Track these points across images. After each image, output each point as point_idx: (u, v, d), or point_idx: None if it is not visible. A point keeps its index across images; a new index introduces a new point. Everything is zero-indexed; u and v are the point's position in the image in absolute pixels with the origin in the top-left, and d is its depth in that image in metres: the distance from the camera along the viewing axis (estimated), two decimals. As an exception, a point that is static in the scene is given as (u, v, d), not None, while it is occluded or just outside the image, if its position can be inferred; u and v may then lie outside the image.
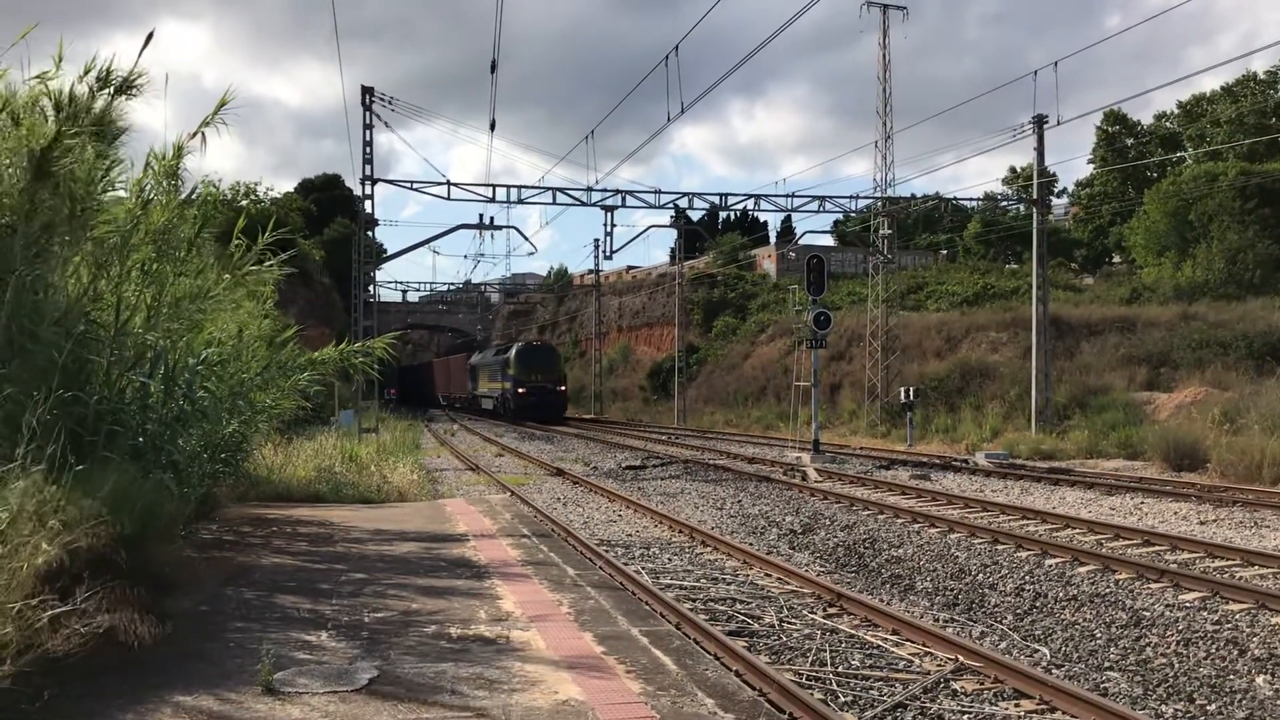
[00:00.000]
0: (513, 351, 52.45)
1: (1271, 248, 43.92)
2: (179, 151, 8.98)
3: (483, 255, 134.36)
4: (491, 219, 33.50)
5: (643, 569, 12.08)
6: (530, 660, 6.69)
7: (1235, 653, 8.66)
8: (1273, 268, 43.33)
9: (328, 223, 62.94)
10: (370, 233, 34.88)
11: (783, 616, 9.88)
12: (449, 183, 30.20)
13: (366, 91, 29.19)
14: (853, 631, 9.34)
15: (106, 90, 8.02)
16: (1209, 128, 61.74)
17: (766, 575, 11.95)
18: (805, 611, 10.10)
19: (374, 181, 29.59)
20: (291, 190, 67.51)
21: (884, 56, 35.12)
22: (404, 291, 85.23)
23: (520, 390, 50.11)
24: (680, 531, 15.21)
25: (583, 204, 31.15)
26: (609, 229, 33.06)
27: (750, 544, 14.34)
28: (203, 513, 12.15)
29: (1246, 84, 62.86)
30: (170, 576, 8.22)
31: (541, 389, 50.29)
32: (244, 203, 39.69)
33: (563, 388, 52.59)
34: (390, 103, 29.28)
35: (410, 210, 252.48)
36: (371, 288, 35.91)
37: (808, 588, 11.12)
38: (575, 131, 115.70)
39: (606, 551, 12.90)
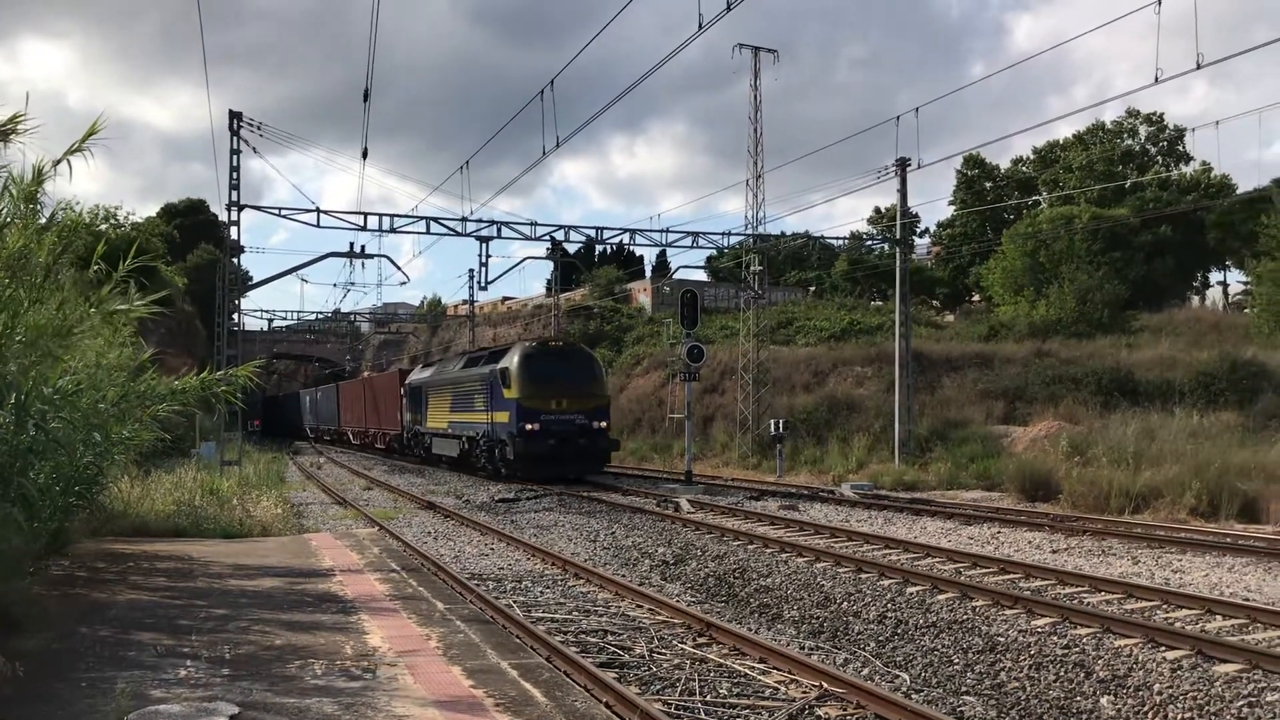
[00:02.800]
0: (516, 356, 29.39)
1: (1119, 289, 46.26)
2: (39, 176, 8.66)
3: (353, 284, 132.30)
4: (363, 247, 32.92)
5: (514, 602, 12.01)
6: (397, 695, 6.61)
7: (1082, 675, 9.06)
8: (1120, 308, 45.61)
9: (192, 249, 61.09)
10: (236, 259, 34.00)
11: (653, 647, 9.95)
12: (319, 210, 29.67)
13: (234, 116, 28.56)
14: (721, 660, 9.47)
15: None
16: (1062, 173, 64.84)
17: (638, 606, 12.01)
18: (676, 642, 10.19)
19: (240, 208, 28.90)
20: (154, 215, 65.34)
21: (755, 98, 35.97)
22: (270, 320, 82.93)
23: (531, 426, 28.22)
24: (553, 564, 15.17)
25: (457, 234, 30.97)
26: (484, 259, 32.99)
27: (623, 576, 14.40)
28: (55, 548, 11.65)
29: (1096, 132, 66.31)
30: (19, 615, 7.87)
31: (568, 424, 28.61)
32: (104, 227, 38.28)
33: (604, 422, 29.70)
34: (259, 128, 28.70)
35: (279, 237, 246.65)
36: (236, 316, 34.99)
37: (678, 618, 11.23)
38: (456, 162, 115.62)
39: (477, 585, 12.79)
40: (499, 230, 31.26)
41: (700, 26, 15.66)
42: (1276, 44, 40.42)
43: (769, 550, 15.68)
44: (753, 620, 12.22)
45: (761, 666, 9.23)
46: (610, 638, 10.34)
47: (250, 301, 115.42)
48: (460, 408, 33.57)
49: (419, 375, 40.69)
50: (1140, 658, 9.11)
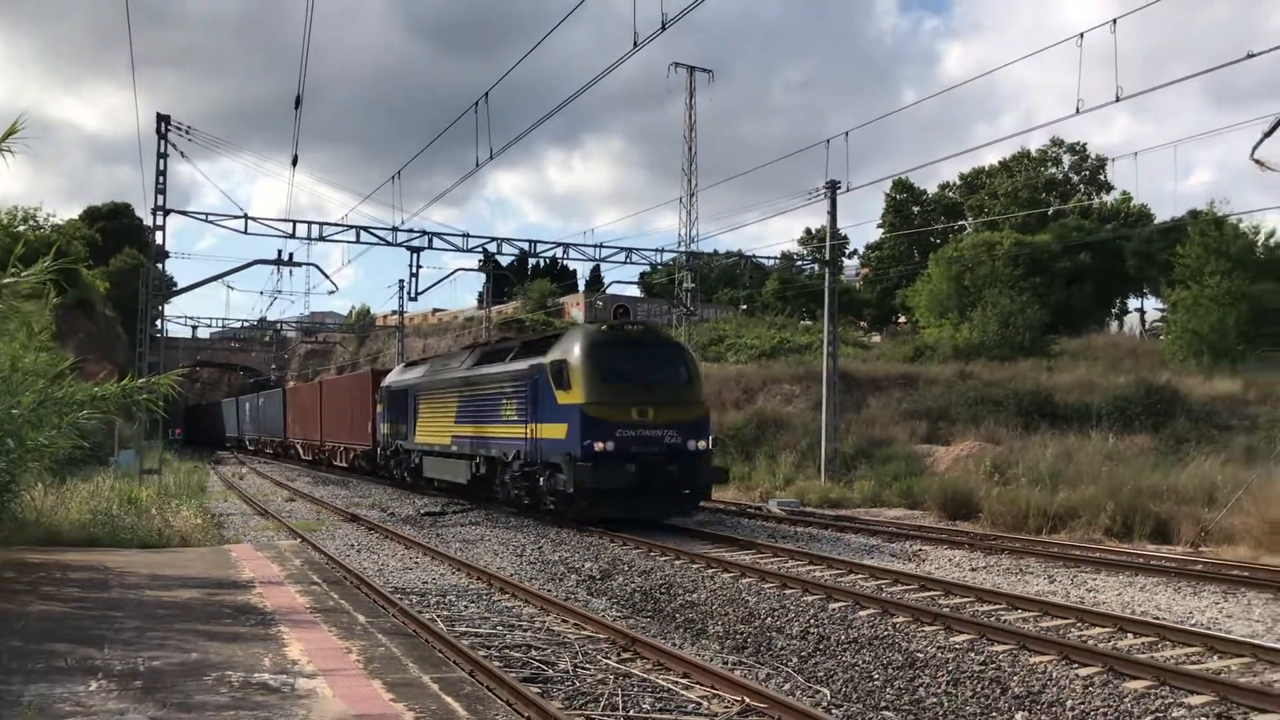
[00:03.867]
0: (578, 344, 20.73)
1: (1040, 313, 47.32)
2: (-49, 175, 8.45)
3: (280, 292, 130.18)
4: (291, 255, 32.42)
5: (438, 616, 11.92)
6: (315, 708, 6.53)
7: (998, 691, 9.23)
8: (1041, 332, 46.64)
9: (115, 253, 59.80)
10: (160, 265, 33.38)
11: (577, 662, 9.94)
12: (247, 216, 29.29)
13: (162, 120, 28.07)
14: (645, 676, 9.49)
15: None
16: (988, 199, 66.27)
17: (563, 621, 11.99)
18: (600, 657, 10.20)
19: (166, 212, 28.38)
20: (75, 218, 63.87)
21: (689, 116, 36.40)
22: (194, 327, 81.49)
23: (602, 445, 19.67)
24: (478, 579, 15.08)
25: (388, 244, 30.77)
26: (415, 270, 32.76)
27: (548, 590, 14.36)
28: (-40, 557, 11.32)
29: (1021, 160, 67.92)
30: (-79, 625, 7.63)
31: (655, 442, 20.14)
32: (22, 228, 37.38)
33: (704, 441, 20.80)
34: (187, 132, 28.24)
35: (206, 243, 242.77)
36: (159, 322, 34.32)
37: (603, 633, 11.23)
38: (390, 171, 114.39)
39: (400, 599, 12.67)
40: (430, 241, 31.13)
41: (635, 45, 15.76)
42: (1192, 79, 41.76)
43: (695, 566, 15.74)
44: (677, 635, 12.26)
45: (685, 682, 9.27)
46: (534, 652, 10.31)
47: (174, 308, 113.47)
48: (473, 417, 24.95)
49: (403, 376, 32.30)
50: (1054, 674, 9.32)
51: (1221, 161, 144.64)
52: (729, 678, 9.26)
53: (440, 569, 16.14)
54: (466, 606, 12.87)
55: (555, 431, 20.50)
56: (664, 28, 14.95)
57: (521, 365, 22.38)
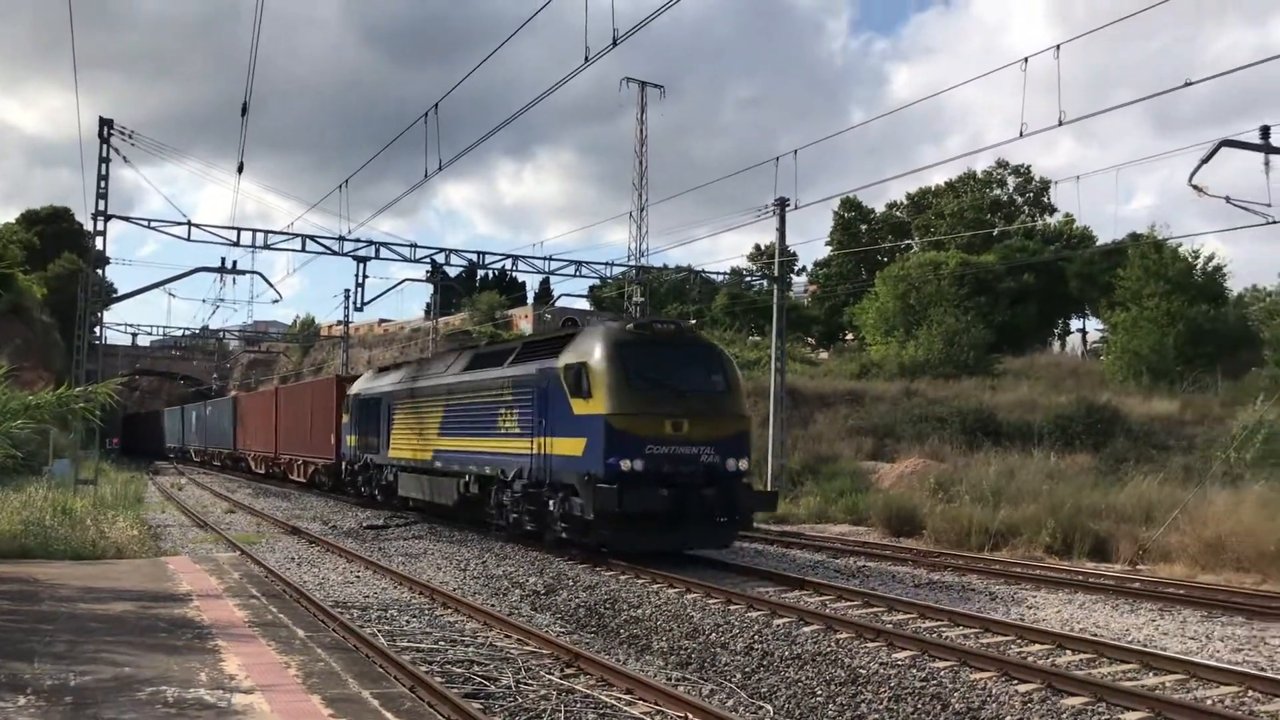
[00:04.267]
0: (599, 345, 17.53)
1: (984, 333, 47.99)
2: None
3: (223, 300, 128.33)
4: (235, 263, 32.02)
5: (379, 631, 11.78)
6: (253, 725, 6.41)
7: (939, 707, 9.29)
8: (985, 351, 47.29)
9: (54, 258, 58.68)
10: (100, 271, 32.79)
11: (520, 678, 9.86)
12: (190, 223, 28.83)
13: (105, 123, 27.63)
14: (589, 691, 9.43)
15: None
16: (934, 219, 67.13)
17: (507, 637, 11.90)
18: (543, 672, 10.12)
19: (108, 217, 27.91)
20: (13, 221, 62.64)
21: (640, 131, 36.52)
22: (134, 335, 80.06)
23: (629, 464, 16.47)
24: (421, 593, 14.93)
25: (334, 253, 30.45)
26: (361, 280, 32.42)
27: (492, 605, 14.25)
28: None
29: (967, 181, 68.91)
30: None
31: (690, 460, 17.00)
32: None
33: (744, 461, 17.76)
34: (131, 137, 27.82)
35: (148, 249, 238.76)
36: (98, 329, 33.68)
37: (547, 649, 11.16)
38: (338, 180, 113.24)
39: (341, 613, 12.50)
40: (378, 251, 30.85)
41: (586, 59, 15.77)
42: (1134, 105, 42.70)
43: (640, 581, 15.70)
44: (621, 651, 12.21)
45: (628, 698, 9.23)
46: (477, 668, 10.21)
47: (114, 315, 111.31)
48: (462, 429, 22.03)
49: (375, 383, 29.20)
50: (994, 690, 9.39)
51: (1162, 186, 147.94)
52: (672, 694, 9.23)
53: (382, 583, 15.96)
54: (409, 621, 12.73)
55: (570, 447, 17.47)
56: (615, 43, 14.97)
57: (526, 369, 19.44)
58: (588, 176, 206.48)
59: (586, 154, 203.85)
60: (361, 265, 31.12)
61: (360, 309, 38.17)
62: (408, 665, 9.59)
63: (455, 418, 22.47)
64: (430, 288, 52.81)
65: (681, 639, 12.29)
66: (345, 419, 31.01)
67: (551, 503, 18.05)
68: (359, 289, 32.65)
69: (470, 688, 9.41)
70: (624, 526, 16.55)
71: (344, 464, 31.29)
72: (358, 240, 30.95)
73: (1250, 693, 9.35)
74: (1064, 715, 8.71)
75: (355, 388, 30.77)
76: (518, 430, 19.26)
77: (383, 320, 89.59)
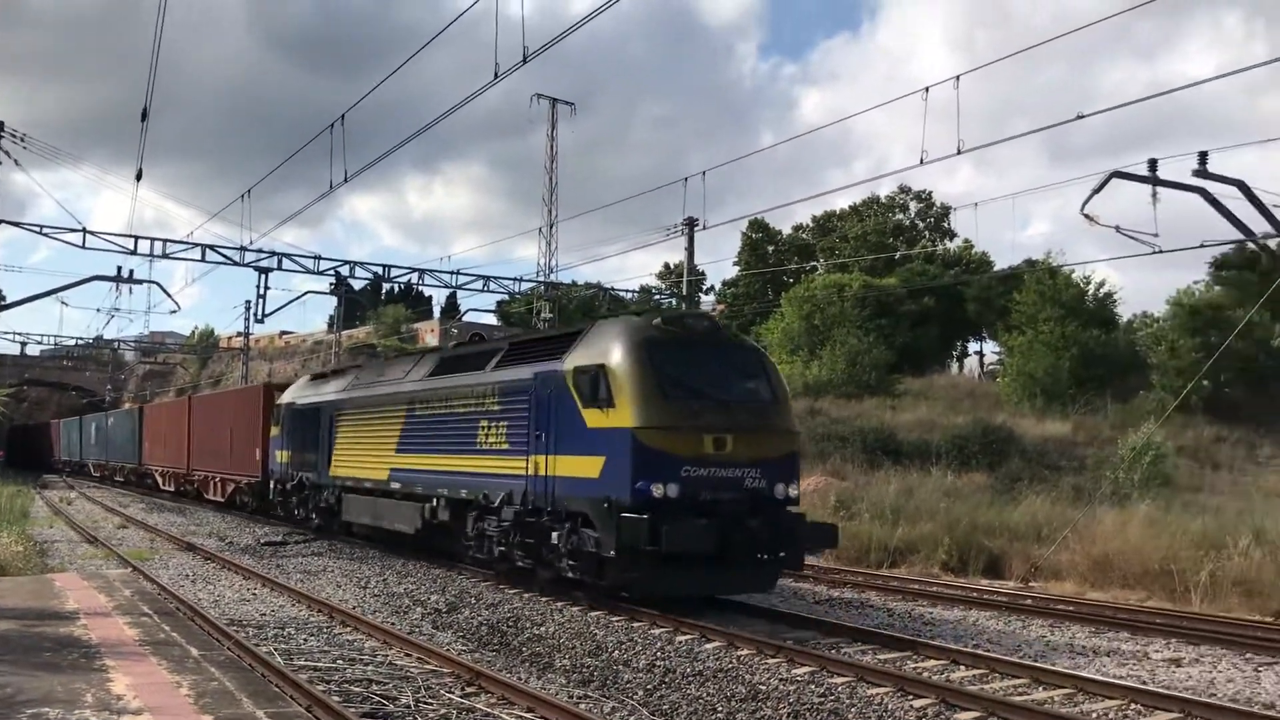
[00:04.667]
0: (622, 343, 14.18)
1: (886, 353, 48.88)
2: None
3: (119, 310, 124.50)
4: (131, 272, 31.05)
5: (275, 650, 11.54)
6: (140, 748, 6.24)
7: (837, 722, 9.43)
8: (886, 371, 48.17)
9: (-63, 263, 56.42)
10: (-12, 277, 31.64)
11: (420, 697, 9.75)
12: (85, 230, 28.08)
13: (-5, 124, 26.71)
14: (489, 710, 9.36)
15: None
16: (838, 242, 68.34)
17: (407, 655, 11.76)
18: (444, 691, 10.02)
19: (-3, 222, 26.96)
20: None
21: (551, 147, 36.56)
22: (24, 344, 77.26)
23: (661, 490, 13.23)
24: (319, 611, 14.67)
25: (235, 264, 29.91)
26: (263, 291, 31.93)
27: (392, 623, 14.06)
28: None
29: (871, 205, 70.32)
30: None
31: (734, 485, 13.86)
32: None
33: (794, 488, 14.61)
34: (23, 139, 26.94)
35: (40, 256, 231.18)
36: (-15, 337, 32.45)
37: (448, 667, 11.05)
38: (241, 189, 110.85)
39: (236, 631, 12.22)
40: (280, 262, 30.39)
41: (496, 76, 15.74)
42: (1030, 135, 44.06)
43: (544, 598, 15.63)
44: (524, 669, 12.14)
45: (530, 717, 9.19)
46: (376, 687, 10.07)
47: (3, 323, 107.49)
48: (430, 445, 18.66)
49: (313, 391, 25.32)
50: (890, 706, 9.57)
51: (1057, 214, 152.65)
52: (574, 712, 9.22)
53: (280, 600, 15.65)
54: (306, 639, 12.49)
55: (582, 467, 14.27)
56: (525, 60, 14.97)
57: (517, 374, 16.19)
58: (497, 191, 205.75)
59: (497, 168, 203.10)
60: (263, 276, 30.69)
61: (261, 320, 37.55)
62: (304, 684, 9.41)
63: (420, 431, 19.12)
64: (334, 300, 51.88)
65: (584, 657, 12.26)
66: (275, 432, 27.17)
67: (555, 535, 14.86)
68: (260, 300, 32.22)
69: (369, 707, 9.28)
70: (655, 566, 13.48)
71: (273, 482, 27.55)
72: (260, 251, 30.49)
73: (1133, 705, 9.68)
74: (957, 729, 8.91)
75: (288, 395, 27.06)
76: (506, 446, 16.15)
77: (284, 332, 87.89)
